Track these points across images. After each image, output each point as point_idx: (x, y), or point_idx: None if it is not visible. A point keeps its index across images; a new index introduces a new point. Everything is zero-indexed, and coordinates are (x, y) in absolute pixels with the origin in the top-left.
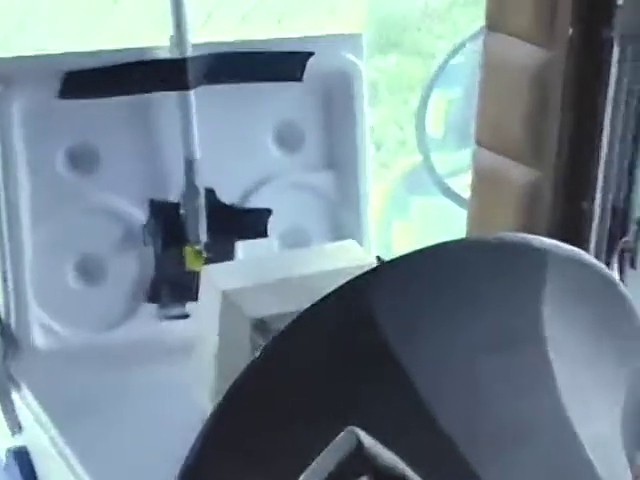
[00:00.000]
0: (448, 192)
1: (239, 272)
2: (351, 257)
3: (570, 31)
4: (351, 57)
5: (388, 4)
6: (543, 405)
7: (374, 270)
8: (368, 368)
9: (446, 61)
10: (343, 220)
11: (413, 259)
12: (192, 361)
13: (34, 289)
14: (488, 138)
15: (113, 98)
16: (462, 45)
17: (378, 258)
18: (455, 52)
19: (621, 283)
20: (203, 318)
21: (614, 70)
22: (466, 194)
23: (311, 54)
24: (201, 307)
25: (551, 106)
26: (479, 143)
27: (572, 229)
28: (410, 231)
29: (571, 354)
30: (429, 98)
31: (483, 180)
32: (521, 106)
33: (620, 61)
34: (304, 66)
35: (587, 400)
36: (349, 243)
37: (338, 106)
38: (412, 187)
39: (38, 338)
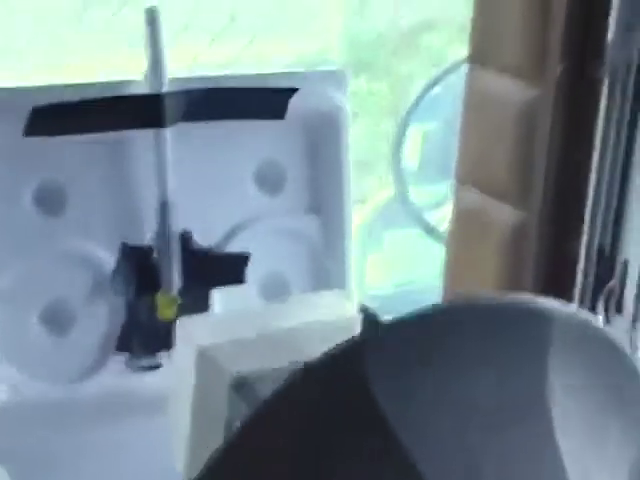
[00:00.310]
0: (425, 225)
1: (216, 325)
2: (336, 308)
3: (559, 67)
4: (336, 95)
5: (362, 25)
6: None
7: (365, 336)
8: (363, 444)
9: (424, 92)
10: (326, 266)
11: (406, 323)
12: (165, 418)
13: None
14: (470, 176)
15: (82, 136)
16: (441, 77)
17: (363, 308)
18: (434, 84)
19: (629, 350)
20: (178, 374)
21: (602, 108)
22: (443, 228)
23: (294, 90)
24: (176, 362)
25: (538, 144)
26: (460, 181)
27: (558, 272)
28: (383, 263)
29: (575, 427)
30: (406, 130)
31: (464, 219)
32: (506, 143)
33: (609, 99)
34: (287, 103)
35: (590, 474)
36: (333, 293)
37: (322, 146)
38: (386, 220)
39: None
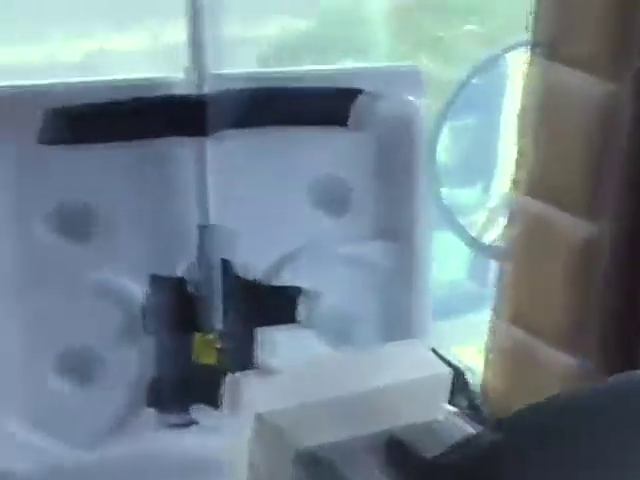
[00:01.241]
0: (457, 229)
1: (276, 385)
2: (417, 363)
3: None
4: (411, 97)
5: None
6: None
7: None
8: None
9: (463, 85)
10: (398, 303)
11: (551, 410)
12: None
13: (6, 393)
14: (533, 183)
15: (109, 145)
16: (482, 69)
17: (434, 352)
18: (473, 76)
19: None
20: (231, 442)
21: None
22: (474, 232)
23: (359, 92)
24: (227, 426)
25: (614, 148)
26: (521, 189)
27: (634, 293)
28: None
29: None
30: (442, 126)
31: (527, 232)
32: (578, 147)
33: None
34: (350, 107)
35: None
36: (412, 343)
37: (393, 159)
38: None
39: (5, 454)
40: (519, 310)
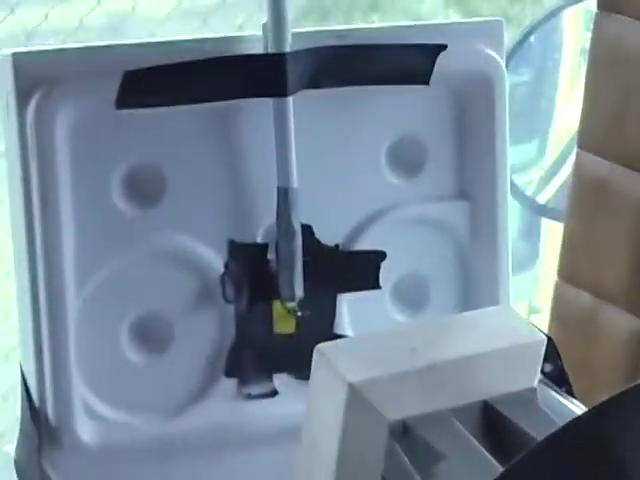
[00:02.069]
0: (513, 188)
1: (366, 354)
2: (510, 330)
3: None
4: (491, 52)
5: None
6: None
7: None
8: None
9: (520, 43)
10: (476, 266)
11: None
12: (282, 454)
13: (78, 361)
14: (597, 141)
15: (185, 107)
16: (541, 23)
17: (548, 338)
18: (531, 32)
19: None
20: (315, 413)
21: None
22: (529, 191)
23: (443, 48)
24: (315, 398)
25: None
26: (584, 147)
27: None
28: None
29: None
30: None
31: (588, 192)
32: None
33: None
34: (432, 64)
35: None
36: (503, 309)
37: (472, 118)
38: None
39: (83, 427)
40: (579, 271)
